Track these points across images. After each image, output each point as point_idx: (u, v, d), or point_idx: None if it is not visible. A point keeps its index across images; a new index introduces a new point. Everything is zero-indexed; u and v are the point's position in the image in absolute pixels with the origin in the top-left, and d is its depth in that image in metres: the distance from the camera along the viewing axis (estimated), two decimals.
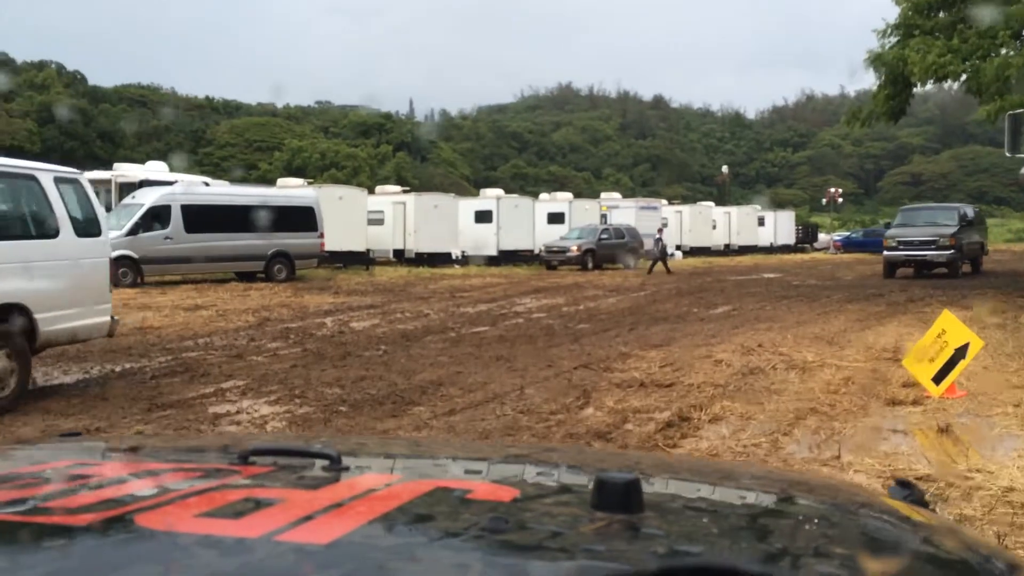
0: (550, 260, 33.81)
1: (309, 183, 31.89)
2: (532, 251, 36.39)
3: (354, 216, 30.50)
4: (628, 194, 53.65)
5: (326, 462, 1.29)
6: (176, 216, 22.76)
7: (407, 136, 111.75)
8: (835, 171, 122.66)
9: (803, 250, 53.17)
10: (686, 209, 47.33)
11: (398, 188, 36.14)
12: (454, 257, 33.97)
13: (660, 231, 33.23)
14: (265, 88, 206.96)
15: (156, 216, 22.85)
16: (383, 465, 1.54)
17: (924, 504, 1.47)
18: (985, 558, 1.17)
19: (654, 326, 14.64)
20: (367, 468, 1.45)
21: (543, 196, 42.21)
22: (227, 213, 23.71)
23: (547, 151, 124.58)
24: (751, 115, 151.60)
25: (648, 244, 33.75)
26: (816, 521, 1.25)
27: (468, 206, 36.56)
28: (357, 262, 30.91)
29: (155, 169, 27.06)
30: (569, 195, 41.90)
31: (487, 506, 1.15)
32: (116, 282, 22.54)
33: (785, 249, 48.79)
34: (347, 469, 1.28)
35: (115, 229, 22.64)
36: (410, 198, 33.91)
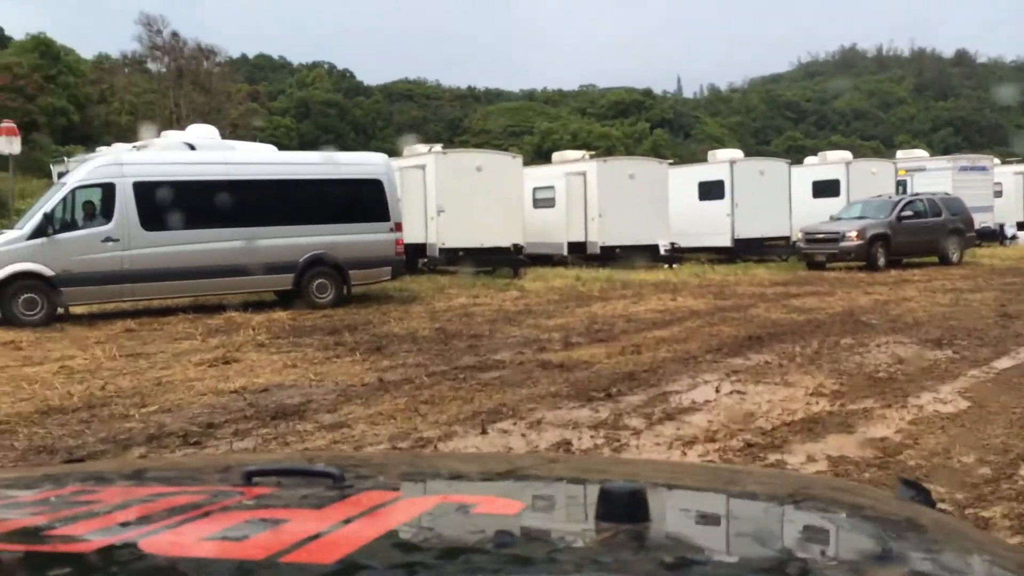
0: (812, 254, 20.13)
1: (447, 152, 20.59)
2: (789, 239, 22.87)
3: (501, 196, 18.95)
4: None
5: (329, 481, 1.17)
6: (125, 202, 12.45)
7: (668, 113, 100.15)
8: None
9: None
10: None
11: (580, 153, 23.95)
12: (663, 251, 21.33)
13: None
14: (529, 76, 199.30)
15: (90, 204, 12.77)
16: (387, 482, 1.36)
17: (932, 504, 1.33)
18: (995, 560, 1.07)
19: None
20: (371, 485, 1.28)
21: (809, 160, 28.02)
22: (222, 195, 13.08)
23: (828, 120, 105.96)
24: None
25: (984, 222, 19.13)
26: (823, 526, 1.20)
27: (687, 176, 23.62)
28: (507, 263, 19.42)
29: (199, 135, 16.98)
30: (846, 154, 27.33)
31: (493, 520, 1.07)
32: (11, 319, 10.20)
33: None
34: (351, 487, 1.16)
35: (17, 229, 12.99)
36: (592, 166, 21.61)
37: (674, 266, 20.67)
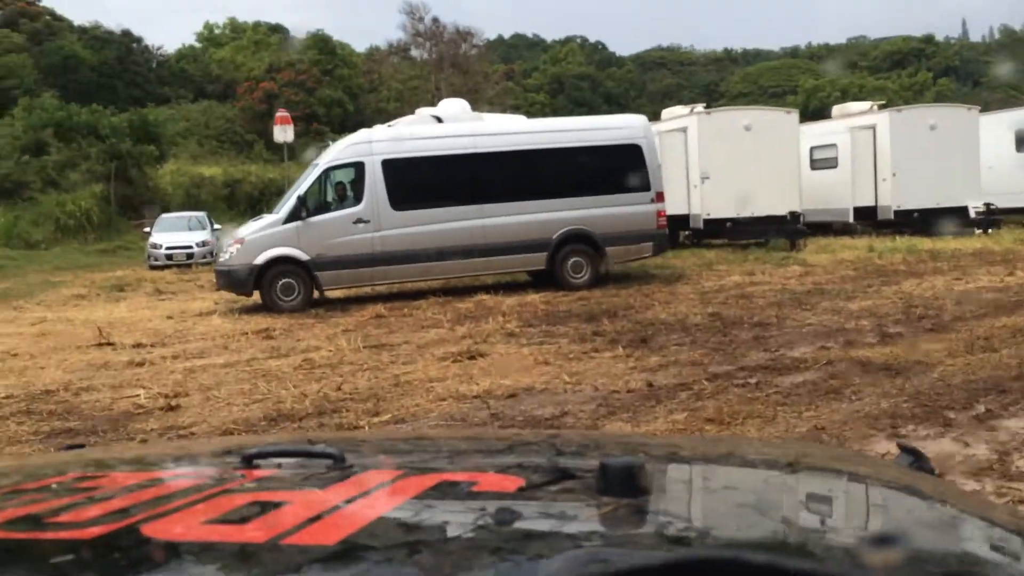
0: None
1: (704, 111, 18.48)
2: None
3: (773, 158, 16.61)
4: None
5: (330, 462, 1.15)
6: (374, 182, 11.86)
7: (953, 60, 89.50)
8: None
9: None
10: None
11: (867, 104, 20.62)
12: (973, 214, 17.84)
13: None
14: (790, 32, 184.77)
15: (342, 185, 12.30)
16: (387, 461, 1.35)
17: (931, 471, 1.29)
18: (993, 525, 1.05)
19: None
20: (371, 465, 1.26)
21: None
22: (470, 169, 12.15)
23: None
24: None
25: None
26: (823, 494, 1.19)
27: (1002, 123, 19.65)
28: (783, 234, 17.05)
29: (447, 109, 16.15)
30: None
31: (493, 497, 1.05)
32: (270, 305, 10.25)
33: None
34: (351, 467, 1.14)
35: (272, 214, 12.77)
36: (883, 117, 18.45)
37: (990, 231, 17.18)
